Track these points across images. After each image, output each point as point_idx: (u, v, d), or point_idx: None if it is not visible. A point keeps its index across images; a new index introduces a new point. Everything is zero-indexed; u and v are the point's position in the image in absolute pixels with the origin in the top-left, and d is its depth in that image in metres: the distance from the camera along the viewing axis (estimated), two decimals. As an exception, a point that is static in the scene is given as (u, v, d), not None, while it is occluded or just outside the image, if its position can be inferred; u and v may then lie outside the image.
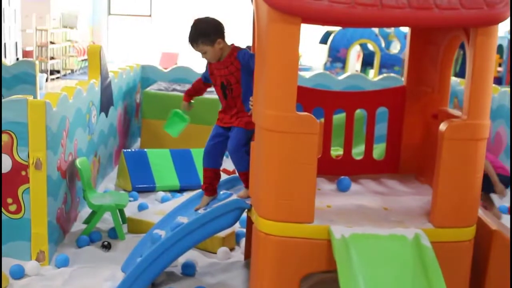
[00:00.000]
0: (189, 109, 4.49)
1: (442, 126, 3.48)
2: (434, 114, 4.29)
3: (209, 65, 4.11)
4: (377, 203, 3.93)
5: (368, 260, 3.23)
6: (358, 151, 4.99)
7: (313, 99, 4.47)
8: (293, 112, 3.36)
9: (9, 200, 4.43)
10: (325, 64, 14.94)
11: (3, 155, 4.36)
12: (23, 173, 4.40)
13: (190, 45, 3.98)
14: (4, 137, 4.34)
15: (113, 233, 5.11)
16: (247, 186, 4.00)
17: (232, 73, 3.97)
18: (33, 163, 4.37)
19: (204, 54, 3.97)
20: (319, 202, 3.61)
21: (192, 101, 4.46)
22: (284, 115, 3.36)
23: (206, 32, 3.91)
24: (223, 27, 4.00)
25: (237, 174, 4.69)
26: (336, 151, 5.57)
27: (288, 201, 3.44)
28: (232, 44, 4.03)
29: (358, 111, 4.60)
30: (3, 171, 4.38)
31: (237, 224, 5.07)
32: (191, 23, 3.98)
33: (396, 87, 4.70)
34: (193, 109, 7.69)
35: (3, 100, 4.41)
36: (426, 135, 4.41)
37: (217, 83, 4.06)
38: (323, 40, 16.13)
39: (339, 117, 4.72)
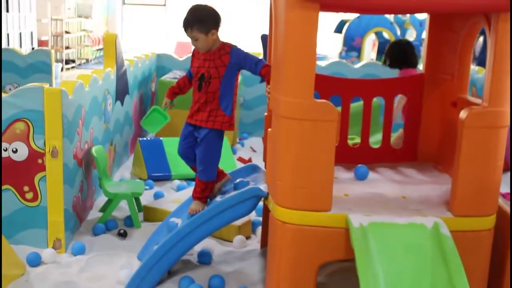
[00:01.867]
0: (170, 107, 4.32)
1: (462, 114, 3.43)
2: (453, 102, 4.24)
3: (194, 54, 4.08)
4: (395, 191, 3.89)
5: (387, 249, 3.19)
6: (374, 140, 4.95)
7: (330, 86, 4.43)
8: (311, 99, 3.32)
9: (26, 188, 4.43)
10: (340, 53, 14.83)
11: (19, 143, 4.35)
12: (40, 161, 4.40)
13: (184, 29, 3.94)
14: (20, 125, 4.34)
15: (129, 221, 5.11)
16: (197, 197, 4.03)
17: (216, 67, 3.92)
18: (49, 151, 4.37)
19: (195, 41, 3.93)
20: (336, 190, 3.58)
21: (173, 100, 4.31)
22: (302, 102, 3.32)
23: (203, 19, 3.88)
24: (220, 18, 3.96)
25: (253, 162, 4.67)
26: (353, 140, 5.54)
27: (305, 189, 3.41)
28: (222, 41, 4.00)
29: (374, 99, 4.55)
30: (20, 158, 4.38)
31: (253, 213, 5.04)
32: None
33: (414, 75, 4.65)
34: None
35: (19, 88, 4.41)
36: (445, 123, 4.36)
37: (197, 74, 4.00)
38: (338, 29, 16.00)
39: (355, 106, 4.67)
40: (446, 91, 4.34)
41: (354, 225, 3.29)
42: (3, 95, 4.39)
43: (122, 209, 5.33)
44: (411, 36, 15.38)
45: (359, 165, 4.18)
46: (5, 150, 4.36)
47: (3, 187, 4.41)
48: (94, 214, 5.35)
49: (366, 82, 4.68)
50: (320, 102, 3.35)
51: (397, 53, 5.99)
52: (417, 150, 4.59)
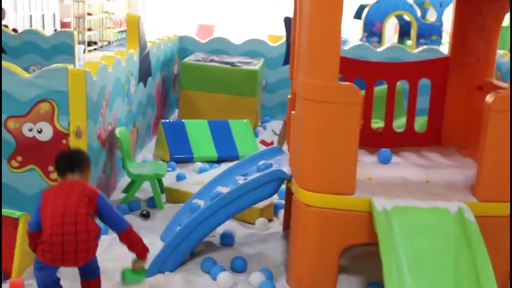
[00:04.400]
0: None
1: (489, 98, 3.39)
2: (478, 85, 4.20)
3: None
4: (418, 175, 3.87)
5: (410, 233, 3.19)
6: (397, 124, 4.92)
7: (354, 69, 4.41)
8: (336, 81, 3.31)
9: (50, 168, 4.47)
10: (361, 39, 14.71)
11: (44, 123, 4.39)
12: (64, 141, 4.43)
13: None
14: (45, 105, 4.37)
15: (152, 203, 5.14)
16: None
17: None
18: (73, 131, 4.40)
19: None
20: (360, 174, 3.57)
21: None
22: (326, 84, 3.30)
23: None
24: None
25: (276, 145, 4.67)
26: (376, 124, 5.51)
27: (329, 172, 3.40)
28: None
29: (398, 83, 4.52)
30: (45, 139, 4.42)
31: (275, 196, 5.04)
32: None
33: (440, 58, 4.60)
34: (229, 80, 7.73)
35: (44, 68, 4.43)
36: (470, 107, 4.32)
37: None
38: (357, 15, 15.86)
39: (378, 89, 4.65)
40: (472, 74, 4.30)
41: (378, 208, 3.28)
42: (28, 75, 4.42)
43: (145, 191, 5.36)
44: (432, 16, 15.20)
45: (383, 148, 4.16)
46: (30, 130, 4.40)
47: (29, 166, 4.45)
48: (117, 195, 5.39)
49: (391, 65, 4.66)
50: (345, 85, 3.34)
51: None
52: (441, 134, 4.56)
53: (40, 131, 4.41)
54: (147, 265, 3.70)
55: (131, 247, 3.40)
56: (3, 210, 3.88)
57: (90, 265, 3.36)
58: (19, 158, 4.45)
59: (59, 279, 3.38)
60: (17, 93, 4.33)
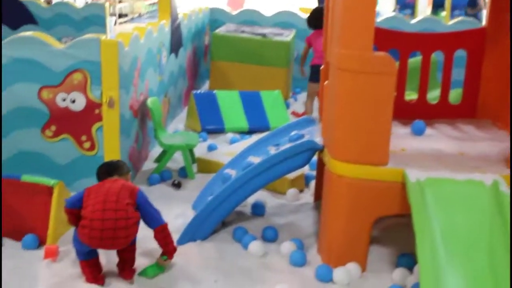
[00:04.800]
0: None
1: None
2: (515, 57, 4.11)
3: None
4: (453, 148, 3.82)
5: (444, 204, 3.15)
6: (430, 97, 4.86)
7: (388, 40, 4.35)
8: (370, 51, 3.26)
9: (83, 138, 4.52)
10: (393, 11, 14.49)
11: (77, 93, 4.42)
12: (97, 111, 4.46)
13: None
14: (78, 75, 4.40)
15: (183, 172, 5.17)
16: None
17: None
18: (106, 101, 4.42)
19: None
20: (393, 145, 3.53)
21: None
22: (360, 54, 3.26)
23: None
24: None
25: (309, 116, 4.65)
26: (408, 96, 5.45)
27: (362, 143, 3.38)
28: None
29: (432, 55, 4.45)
30: (78, 108, 4.45)
31: (306, 167, 5.03)
32: None
33: (476, 29, 4.52)
34: (261, 51, 7.69)
35: (76, 39, 4.44)
36: (506, 79, 4.23)
37: None
38: (390, -13, 15.63)
39: (411, 61, 4.58)
40: (508, 46, 4.20)
41: (411, 179, 3.25)
42: (61, 46, 4.44)
43: (176, 161, 5.40)
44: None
45: (416, 120, 4.11)
46: (64, 100, 4.43)
47: (62, 136, 4.50)
48: (149, 165, 5.43)
49: (426, 36, 4.58)
50: (380, 55, 3.29)
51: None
52: (476, 106, 4.49)
53: (73, 101, 4.44)
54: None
55: (163, 245, 3.50)
56: (37, 178, 3.94)
57: None
58: (53, 128, 4.50)
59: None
60: (51, 63, 4.36)
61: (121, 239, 3.28)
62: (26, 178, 3.93)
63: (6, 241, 3.86)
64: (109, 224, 3.22)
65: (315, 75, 6.75)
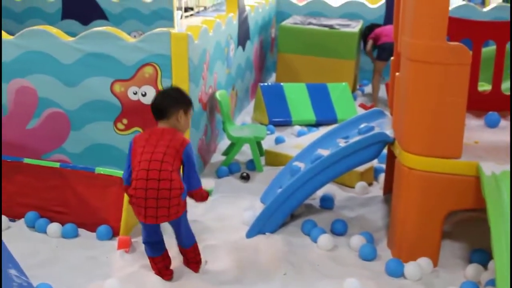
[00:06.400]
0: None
1: None
2: None
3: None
4: (529, 140, 3.70)
5: (521, 199, 3.05)
6: (504, 87, 4.72)
7: (461, 30, 4.25)
8: (443, 41, 3.19)
9: (154, 130, 4.58)
10: (463, 0, 14.14)
11: (148, 86, 4.49)
12: (166, 104, 4.51)
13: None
14: (149, 69, 4.46)
15: (251, 165, 5.19)
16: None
17: None
18: (176, 94, 4.47)
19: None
20: (466, 137, 3.45)
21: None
22: (433, 44, 3.19)
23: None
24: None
25: (377, 108, 4.59)
26: (481, 87, 5.31)
27: (434, 135, 3.31)
28: None
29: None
30: (149, 102, 4.50)
31: (375, 160, 4.98)
32: None
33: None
34: (328, 43, 7.65)
35: (147, 33, 4.51)
36: None
37: None
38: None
39: (484, 51, 4.45)
40: None
41: (486, 173, 3.17)
42: (132, 40, 4.52)
43: (245, 153, 5.42)
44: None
45: (490, 112, 4.00)
46: (135, 94, 4.51)
47: (134, 129, 4.58)
48: (217, 157, 5.48)
49: (500, 25, 4.43)
50: (453, 45, 3.21)
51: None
52: (553, 97, 4.34)
53: (144, 94, 4.51)
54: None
55: (195, 200, 3.46)
56: (110, 170, 4.03)
57: (181, 230, 3.40)
58: (125, 121, 4.58)
59: (160, 240, 3.45)
60: (123, 58, 4.45)
61: (164, 210, 3.18)
62: (100, 170, 4.03)
63: (82, 232, 3.98)
64: (152, 193, 3.16)
65: (383, 52, 7.26)
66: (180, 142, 3.28)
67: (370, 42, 7.61)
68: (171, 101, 3.37)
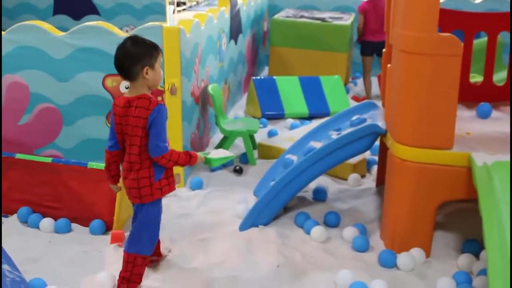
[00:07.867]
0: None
1: None
2: None
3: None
4: (520, 130, 3.71)
5: (513, 189, 3.06)
6: (496, 79, 4.73)
7: (452, 21, 4.26)
8: (435, 32, 3.19)
9: (147, 124, 4.57)
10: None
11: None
12: (159, 98, 4.51)
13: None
14: (141, 63, 4.45)
15: (244, 158, 5.19)
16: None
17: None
18: (168, 88, 4.47)
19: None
20: (458, 128, 3.46)
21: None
22: (424, 35, 3.20)
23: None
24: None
25: (369, 100, 4.59)
26: (473, 78, 5.33)
27: (426, 126, 3.32)
28: None
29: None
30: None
31: (368, 152, 4.99)
32: None
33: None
34: (320, 36, 7.64)
35: (139, 27, 4.49)
36: None
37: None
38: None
39: (476, 42, 4.46)
40: None
41: (478, 163, 3.18)
42: (124, 34, 4.50)
43: (238, 147, 5.43)
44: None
45: (482, 103, 4.01)
46: (127, 88, 4.48)
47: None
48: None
49: (492, 16, 4.45)
50: (444, 36, 3.22)
51: None
52: (545, 87, 4.35)
53: (128, 88, 4.49)
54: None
55: (182, 164, 3.21)
56: (103, 165, 4.01)
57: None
58: (117, 115, 4.57)
59: None
60: (114, 52, 4.42)
61: (134, 190, 3.06)
62: (93, 165, 4.02)
63: (75, 227, 3.97)
64: (126, 174, 3.12)
65: (366, 49, 7.32)
66: (149, 108, 3.04)
67: (361, 18, 7.28)
68: (132, 61, 3.00)
